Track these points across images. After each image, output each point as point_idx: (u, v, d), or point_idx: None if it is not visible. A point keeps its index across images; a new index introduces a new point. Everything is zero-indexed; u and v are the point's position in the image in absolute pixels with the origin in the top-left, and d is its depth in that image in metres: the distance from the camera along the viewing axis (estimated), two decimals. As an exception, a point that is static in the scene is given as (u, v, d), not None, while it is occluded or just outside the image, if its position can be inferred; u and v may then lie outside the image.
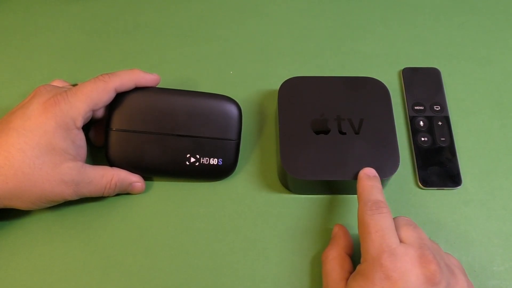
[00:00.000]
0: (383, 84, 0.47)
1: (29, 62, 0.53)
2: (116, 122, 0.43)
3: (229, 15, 0.56)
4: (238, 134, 0.45)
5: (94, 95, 0.40)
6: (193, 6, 0.57)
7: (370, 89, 0.47)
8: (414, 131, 0.49)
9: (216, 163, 0.44)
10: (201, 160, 0.44)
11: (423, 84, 0.51)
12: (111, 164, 0.44)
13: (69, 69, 0.52)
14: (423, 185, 0.46)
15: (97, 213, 0.44)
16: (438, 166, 0.47)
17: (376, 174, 0.41)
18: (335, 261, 0.39)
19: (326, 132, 0.44)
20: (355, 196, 0.45)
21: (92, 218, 0.44)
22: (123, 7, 0.57)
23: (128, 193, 0.45)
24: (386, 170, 0.43)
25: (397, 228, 0.37)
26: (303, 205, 0.45)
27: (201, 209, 0.45)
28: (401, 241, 0.36)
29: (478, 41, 0.55)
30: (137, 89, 0.43)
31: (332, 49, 0.54)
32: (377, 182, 0.40)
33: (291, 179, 0.43)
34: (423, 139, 0.48)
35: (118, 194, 0.44)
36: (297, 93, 0.46)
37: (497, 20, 0.56)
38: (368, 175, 0.41)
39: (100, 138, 0.46)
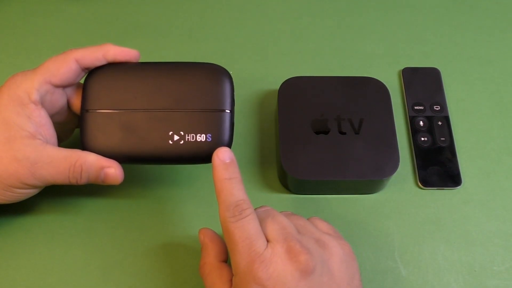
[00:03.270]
0: (383, 84, 0.47)
1: (29, 62, 0.52)
2: (89, 101, 0.38)
3: (229, 15, 0.56)
4: (229, 103, 0.38)
5: (51, 66, 0.37)
6: (193, 6, 0.57)
7: (370, 89, 0.47)
8: (414, 131, 0.49)
9: (204, 140, 0.37)
10: (186, 137, 0.37)
11: (423, 84, 0.51)
12: (85, 149, 0.38)
13: (69, 69, 0.52)
14: (423, 185, 0.46)
15: (97, 213, 0.44)
16: (438, 166, 0.47)
17: (232, 157, 0.35)
18: (212, 275, 0.35)
19: (326, 132, 0.44)
20: (355, 196, 0.45)
21: (92, 218, 0.44)
22: (123, 7, 0.57)
23: (103, 183, 0.39)
24: (386, 170, 0.43)
25: (260, 224, 0.34)
26: (303, 205, 0.45)
27: (201, 209, 0.45)
28: (267, 239, 0.33)
29: (478, 41, 0.55)
30: (111, 65, 0.39)
31: (332, 49, 0.54)
32: (234, 172, 0.35)
33: (291, 179, 0.43)
34: (423, 139, 0.48)
35: (116, 193, 0.44)
36: (297, 93, 0.46)
37: (497, 20, 0.57)
38: (223, 162, 0.34)
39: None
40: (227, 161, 0.35)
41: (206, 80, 0.39)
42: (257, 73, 0.52)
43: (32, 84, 0.36)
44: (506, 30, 0.56)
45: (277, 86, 0.47)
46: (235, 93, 0.40)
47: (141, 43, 0.54)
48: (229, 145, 0.38)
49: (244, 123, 0.49)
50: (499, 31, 0.56)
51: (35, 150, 0.36)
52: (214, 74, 0.39)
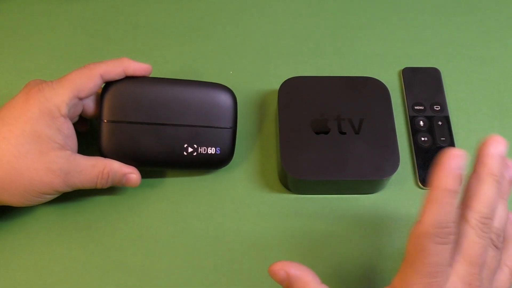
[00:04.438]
0: (383, 84, 0.47)
1: (29, 62, 0.53)
2: (108, 113, 0.42)
3: (229, 15, 0.56)
4: (234, 121, 0.44)
5: (78, 82, 0.39)
6: (193, 6, 0.57)
7: (370, 89, 0.47)
8: (414, 131, 0.49)
9: (214, 152, 0.43)
10: (199, 149, 0.43)
11: (423, 84, 0.51)
12: (105, 157, 0.42)
13: (69, 69, 0.52)
14: (423, 185, 0.46)
15: (97, 213, 0.44)
16: (438, 166, 0.47)
17: (463, 168, 0.31)
18: None
19: (326, 132, 0.44)
20: (355, 196, 0.45)
21: (92, 218, 0.44)
22: (123, 7, 0.57)
23: (123, 186, 0.43)
24: (386, 170, 0.43)
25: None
26: (303, 205, 0.45)
27: (201, 209, 0.45)
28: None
29: (478, 41, 0.55)
30: (129, 79, 0.42)
31: (332, 49, 0.54)
32: (459, 187, 0.31)
33: (291, 179, 0.43)
34: (423, 139, 0.48)
35: (117, 194, 0.44)
36: (297, 93, 0.46)
37: (497, 20, 0.57)
38: (452, 170, 0.31)
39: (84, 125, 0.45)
40: (457, 171, 0.31)
41: (215, 99, 0.43)
42: (257, 73, 0.52)
43: (63, 99, 0.39)
44: (506, 30, 0.56)
45: (277, 86, 0.47)
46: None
47: (141, 43, 0.54)
48: (232, 155, 0.45)
49: (244, 123, 0.49)
50: (499, 31, 0.56)
51: (67, 161, 0.39)
52: (222, 95, 0.44)
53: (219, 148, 0.43)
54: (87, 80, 0.40)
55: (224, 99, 0.44)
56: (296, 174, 0.43)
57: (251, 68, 0.53)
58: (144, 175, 0.44)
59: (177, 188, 0.46)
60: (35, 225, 0.43)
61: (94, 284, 0.41)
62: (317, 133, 0.44)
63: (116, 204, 0.45)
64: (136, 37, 0.55)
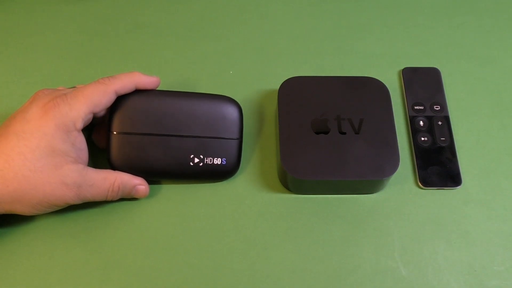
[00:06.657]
0: (383, 84, 0.47)
1: (29, 62, 0.53)
2: (117, 125, 0.43)
3: (229, 15, 0.56)
4: (240, 132, 0.45)
5: (95, 97, 0.40)
6: (193, 6, 0.57)
7: (370, 89, 0.47)
8: (414, 131, 0.49)
9: (220, 163, 0.44)
10: (205, 160, 0.44)
11: (423, 84, 0.51)
12: (114, 168, 0.43)
13: (69, 69, 0.52)
14: (423, 185, 0.46)
15: (97, 213, 0.44)
16: (438, 166, 0.47)
17: None
18: None
19: (326, 132, 0.44)
20: (355, 196, 0.46)
21: (92, 218, 0.44)
22: (123, 7, 0.57)
23: (132, 197, 0.44)
24: (386, 170, 0.43)
25: None
26: (303, 205, 0.45)
27: (202, 209, 0.45)
28: None
29: (478, 41, 0.55)
30: (138, 92, 0.43)
31: (332, 49, 0.54)
32: None
33: (291, 179, 0.43)
34: (423, 139, 0.48)
35: (118, 194, 0.44)
36: (297, 93, 0.46)
37: (497, 20, 0.57)
38: None
39: (103, 140, 0.45)
40: None
41: (221, 111, 0.44)
42: (257, 73, 0.52)
43: (79, 114, 0.39)
44: (506, 30, 0.56)
45: (277, 86, 0.47)
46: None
47: (141, 43, 0.54)
48: (238, 167, 0.45)
49: (244, 123, 0.49)
50: (499, 31, 0.56)
51: (80, 175, 0.40)
52: (228, 107, 0.45)
53: (225, 159, 0.44)
54: (102, 96, 0.41)
55: (230, 111, 0.44)
56: (296, 174, 0.43)
57: (251, 68, 0.53)
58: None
59: (177, 189, 0.46)
60: (35, 225, 0.43)
61: (94, 284, 0.41)
62: (317, 133, 0.44)
63: (116, 204, 0.45)
64: (136, 37, 0.55)
